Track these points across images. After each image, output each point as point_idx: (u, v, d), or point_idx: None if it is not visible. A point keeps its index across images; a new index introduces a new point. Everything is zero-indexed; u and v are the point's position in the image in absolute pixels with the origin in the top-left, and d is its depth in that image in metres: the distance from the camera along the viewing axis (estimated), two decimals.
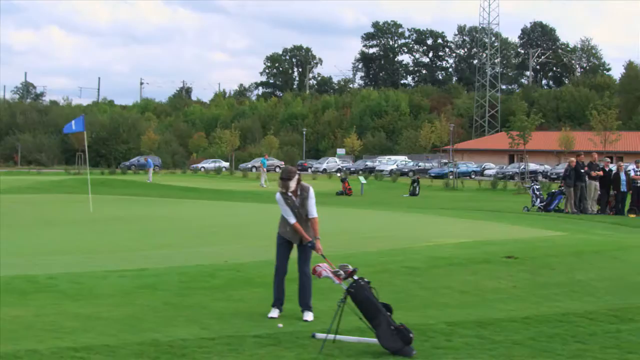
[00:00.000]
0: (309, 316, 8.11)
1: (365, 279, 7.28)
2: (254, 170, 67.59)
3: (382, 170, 58.95)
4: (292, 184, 8.21)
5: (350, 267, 7.27)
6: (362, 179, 39.87)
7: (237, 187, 42.81)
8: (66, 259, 11.37)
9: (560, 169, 58.28)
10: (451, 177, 52.66)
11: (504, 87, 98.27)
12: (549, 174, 53.52)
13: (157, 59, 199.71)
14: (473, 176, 56.61)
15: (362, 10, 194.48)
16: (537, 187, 25.07)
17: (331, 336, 7.03)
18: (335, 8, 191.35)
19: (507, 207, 27.60)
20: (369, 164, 64.36)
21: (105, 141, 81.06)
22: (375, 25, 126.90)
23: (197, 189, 38.17)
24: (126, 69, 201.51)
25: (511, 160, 75.22)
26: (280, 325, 7.76)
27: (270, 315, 8.17)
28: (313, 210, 8.32)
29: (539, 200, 24.44)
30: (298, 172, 8.48)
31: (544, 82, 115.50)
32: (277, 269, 8.41)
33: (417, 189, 37.68)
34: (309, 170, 70.99)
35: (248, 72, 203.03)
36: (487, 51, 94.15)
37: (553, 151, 68.99)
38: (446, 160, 66.16)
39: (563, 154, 68.61)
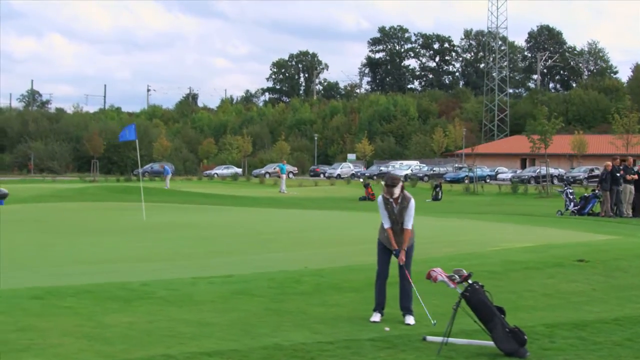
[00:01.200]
0: (410, 319, 8.28)
1: (480, 283, 7.46)
2: (267, 176, 67.73)
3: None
4: (397, 191, 8.40)
5: (465, 272, 7.44)
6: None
7: (257, 193, 42.97)
8: (147, 266, 11.55)
9: (576, 172, 58.57)
10: (467, 181, 52.92)
11: (510, 90, 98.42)
12: (564, 177, 53.62)
13: (159, 65, 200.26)
14: (488, 180, 56.73)
15: (363, 14, 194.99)
16: (571, 191, 25.22)
17: (445, 339, 7.21)
18: (335, 12, 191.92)
19: (536, 210, 27.77)
20: (383, 169, 64.46)
21: (116, 148, 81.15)
22: (382, 30, 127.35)
23: (220, 195, 38.35)
24: (128, 75, 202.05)
25: (523, 164, 75.38)
26: (387, 328, 7.94)
27: (372, 319, 8.33)
28: (408, 221, 8.50)
29: (572, 204, 24.58)
30: (402, 180, 8.67)
31: (551, 85, 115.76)
32: (379, 273, 8.58)
33: (440, 193, 37.86)
34: (322, 175, 71.20)
35: (250, 77, 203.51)
36: (495, 55, 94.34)
37: (566, 154, 69.11)
38: (460, 165, 66.33)
39: (576, 158, 68.95)
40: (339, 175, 65.62)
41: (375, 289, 8.54)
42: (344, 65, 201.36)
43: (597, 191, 24.11)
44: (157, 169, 73.18)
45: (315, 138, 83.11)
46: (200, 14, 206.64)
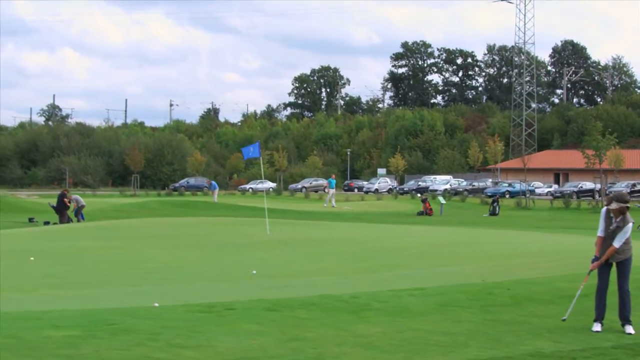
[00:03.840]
0: (630, 329, 8.75)
1: None
2: (304, 190, 68.21)
3: (435, 190, 59.51)
4: (621, 208, 8.85)
5: None
6: (441, 199, 40.44)
7: (310, 208, 43.46)
8: (324, 279, 12.05)
9: (618, 187, 58.79)
10: (508, 196, 53.32)
11: (533, 105, 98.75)
12: (606, 192, 53.80)
13: (172, 80, 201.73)
14: (528, 195, 56.97)
15: (374, 29, 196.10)
16: None
17: None
18: (347, 27, 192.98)
19: None
20: (422, 184, 64.90)
21: (150, 163, 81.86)
22: (404, 45, 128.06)
23: (280, 210, 38.79)
24: (141, 89, 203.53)
25: (556, 179, 75.71)
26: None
27: (594, 329, 8.80)
28: (618, 241, 8.92)
29: None
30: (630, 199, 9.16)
31: (575, 100, 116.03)
32: (599, 286, 9.04)
33: (497, 208, 38.25)
34: (355, 190, 71.64)
35: (261, 92, 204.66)
36: (523, 70, 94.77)
37: (600, 169, 69.27)
38: (497, 180, 66.67)
39: (612, 172, 69.11)
40: (376, 189, 66.01)
41: (596, 300, 9.01)
42: (357, 80, 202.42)
43: None
44: (193, 184, 73.88)
45: (349, 153, 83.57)
46: (212, 29, 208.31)
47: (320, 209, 41.54)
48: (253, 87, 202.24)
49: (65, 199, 30.59)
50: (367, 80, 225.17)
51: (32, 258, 14.19)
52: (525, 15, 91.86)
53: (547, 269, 13.01)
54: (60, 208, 30.66)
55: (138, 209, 37.69)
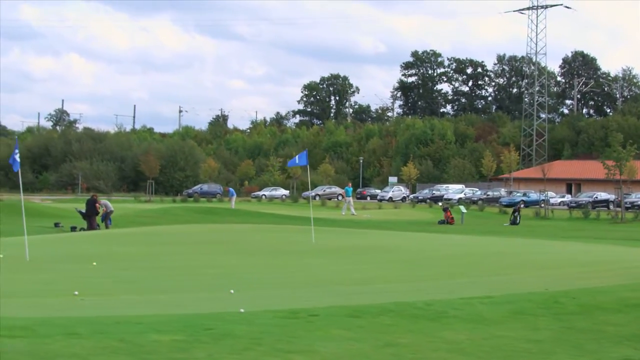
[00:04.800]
0: None
1: None
2: (317, 198, 68.37)
3: (450, 199, 59.70)
4: None
5: None
6: (462, 208, 40.69)
7: (328, 215, 43.64)
8: (390, 286, 12.26)
9: (634, 198, 58.95)
10: (523, 205, 53.45)
11: (543, 115, 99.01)
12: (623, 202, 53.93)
13: (177, 86, 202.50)
14: (542, 205, 57.13)
15: (380, 38, 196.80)
16: None
17: None
18: (353, 36, 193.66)
19: (630, 235, 28.44)
20: (436, 192, 65.09)
21: (162, 169, 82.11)
22: (415, 54, 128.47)
23: (302, 217, 38.98)
24: (146, 95, 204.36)
25: (569, 189, 75.87)
26: None
27: None
28: None
29: None
30: None
31: (584, 111, 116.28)
32: None
33: (518, 218, 38.43)
34: (368, 198, 71.80)
35: (267, 99, 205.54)
36: (535, 81, 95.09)
37: (620, 180, 69.41)
38: (510, 189, 66.84)
39: (625, 183, 69.13)
40: (390, 198, 66.20)
41: None
42: (362, 88, 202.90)
43: None
44: (206, 190, 74.17)
45: (361, 161, 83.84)
46: (218, 35, 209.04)
47: (339, 217, 41.73)
48: (258, 94, 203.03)
49: (97, 205, 30.82)
50: (372, 88, 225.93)
51: (94, 263, 14.44)
52: (537, 26, 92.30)
53: (605, 278, 13.23)
54: (90, 213, 30.88)
55: (161, 214, 37.92)
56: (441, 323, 9.27)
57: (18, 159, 15.65)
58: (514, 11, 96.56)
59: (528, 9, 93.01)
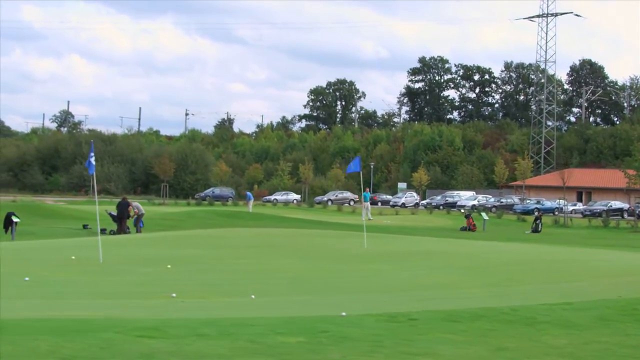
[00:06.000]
0: None
1: None
2: (330, 203, 68.61)
3: (464, 206, 59.97)
4: None
5: None
6: (484, 215, 40.94)
7: (347, 220, 43.97)
8: (464, 292, 12.54)
9: None
10: (537, 213, 53.73)
11: (550, 123, 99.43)
12: (637, 212, 54.29)
13: (178, 89, 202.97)
14: (556, 213, 57.50)
15: (382, 43, 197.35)
16: None
17: None
18: (354, 41, 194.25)
19: None
20: (449, 199, 65.36)
21: (174, 172, 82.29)
22: (422, 60, 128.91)
23: (325, 222, 39.32)
24: (147, 97, 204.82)
25: (579, 198, 76.18)
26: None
27: None
28: None
29: None
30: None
31: (591, 119, 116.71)
32: None
33: (540, 225, 38.70)
34: (379, 204, 71.98)
35: (268, 103, 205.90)
36: (544, 89, 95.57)
37: (624, 189, 69.82)
38: (522, 197, 67.11)
39: (635, 192, 69.57)
40: (403, 204, 66.46)
41: None
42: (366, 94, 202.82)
43: None
44: (218, 193, 74.41)
45: (372, 166, 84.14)
46: (219, 38, 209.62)
47: (359, 222, 41.97)
48: (260, 98, 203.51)
49: (130, 208, 31.08)
50: (373, 93, 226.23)
51: (169, 266, 14.70)
52: (547, 34, 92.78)
53: None
54: (122, 216, 31.13)
55: (186, 218, 38.20)
56: (536, 328, 9.54)
57: (94, 162, 15.93)
58: (524, 18, 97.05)
59: (538, 16, 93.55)
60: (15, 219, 27.80)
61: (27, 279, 12.29)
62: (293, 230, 29.46)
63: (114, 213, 32.23)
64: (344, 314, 9.54)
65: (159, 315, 9.11)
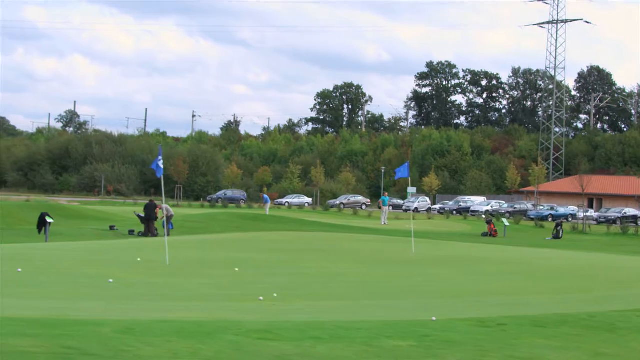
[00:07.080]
0: None
1: None
2: (342, 207, 68.87)
3: (477, 211, 60.23)
4: None
5: None
6: (505, 221, 41.16)
7: (365, 224, 44.18)
8: (531, 298, 12.80)
9: None
10: (550, 219, 54.02)
11: (557, 129, 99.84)
12: None
13: (181, 90, 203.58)
14: (570, 219, 57.79)
15: (384, 47, 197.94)
16: None
17: None
18: (356, 44, 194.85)
19: None
20: (462, 204, 65.61)
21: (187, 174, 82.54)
22: (429, 65, 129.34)
23: (345, 226, 39.49)
24: (149, 98, 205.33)
25: (590, 204, 76.51)
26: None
27: None
28: None
29: None
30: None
31: (599, 126, 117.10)
32: None
33: (561, 232, 38.91)
34: (391, 208, 72.19)
35: (269, 105, 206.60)
36: (553, 95, 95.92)
37: (635, 196, 70.23)
38: (534, 202, 67.39)
39: None
40: (416, 209, 66.72)
41: None
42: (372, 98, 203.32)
43: None
44: (230, 196, 74.62)
45: (383, 170, 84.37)
46: (222, 40, 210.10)
47: (379, 227, 42.27)
48: (261, 100, 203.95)
49: (157, 209, 31.30)
50: (376, 97, 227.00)
51: (236, 269, 14.94)
52: (557, 41, 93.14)
53: None
54: (150, 218, 31.37)
55: (209, 220, 38.34)
56: (618, 335, 9.78)
57: (162, 165, 16.14)
58: (534, 25, 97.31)
59: (548, 23, 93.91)
60: (49, 220, 28.01)
61: (110, 280, 12.54)
62: (330, 235, 29.72)
63: (142, 215, 32.49)
64: (434, 318, 9.79)
65: (262, 318, 9.35)
